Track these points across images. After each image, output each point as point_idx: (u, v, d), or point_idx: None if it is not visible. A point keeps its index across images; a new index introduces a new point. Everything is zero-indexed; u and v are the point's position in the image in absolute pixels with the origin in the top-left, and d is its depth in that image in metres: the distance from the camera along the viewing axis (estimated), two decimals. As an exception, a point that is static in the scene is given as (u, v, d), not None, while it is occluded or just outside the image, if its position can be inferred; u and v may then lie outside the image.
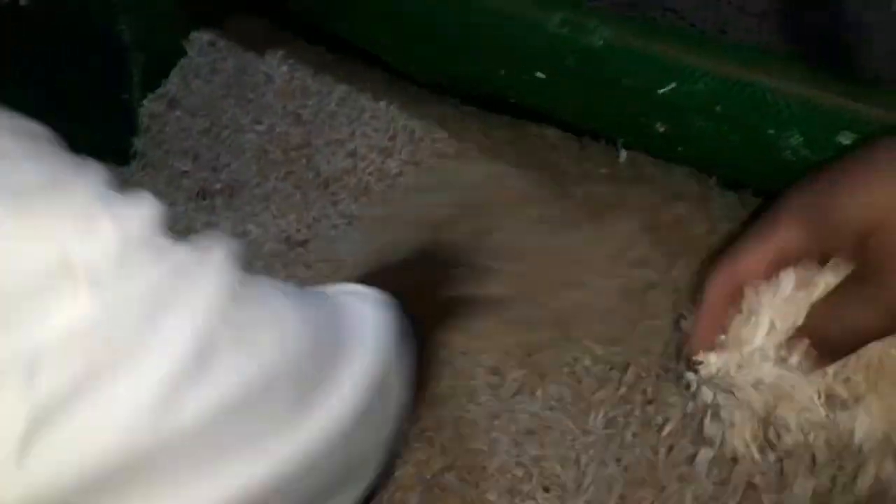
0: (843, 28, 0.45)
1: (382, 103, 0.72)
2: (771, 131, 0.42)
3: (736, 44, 0.44)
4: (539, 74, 0.51)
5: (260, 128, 0.81)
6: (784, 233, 0.40)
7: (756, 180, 0.50)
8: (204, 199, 0.82)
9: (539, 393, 0.55)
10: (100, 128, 0.90)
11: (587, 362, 0.56)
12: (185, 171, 0.85)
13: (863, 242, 0.37)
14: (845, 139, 0.39)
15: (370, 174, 0.70)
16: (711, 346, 0.44)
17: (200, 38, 0.90)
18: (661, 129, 0.49)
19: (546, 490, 0.51)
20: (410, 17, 0.52)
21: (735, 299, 0.43)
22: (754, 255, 0.41)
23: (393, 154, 0.69)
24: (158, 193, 0.83)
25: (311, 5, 0.68)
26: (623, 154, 0.56)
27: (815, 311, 0.40)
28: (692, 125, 0.45)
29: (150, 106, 0.90)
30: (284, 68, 0.82)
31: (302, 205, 0.74)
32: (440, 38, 0.55)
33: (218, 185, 0.81)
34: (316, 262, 0.69)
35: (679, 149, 0.50)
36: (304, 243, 0.72)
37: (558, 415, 0.54)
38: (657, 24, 0.45)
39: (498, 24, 0.50)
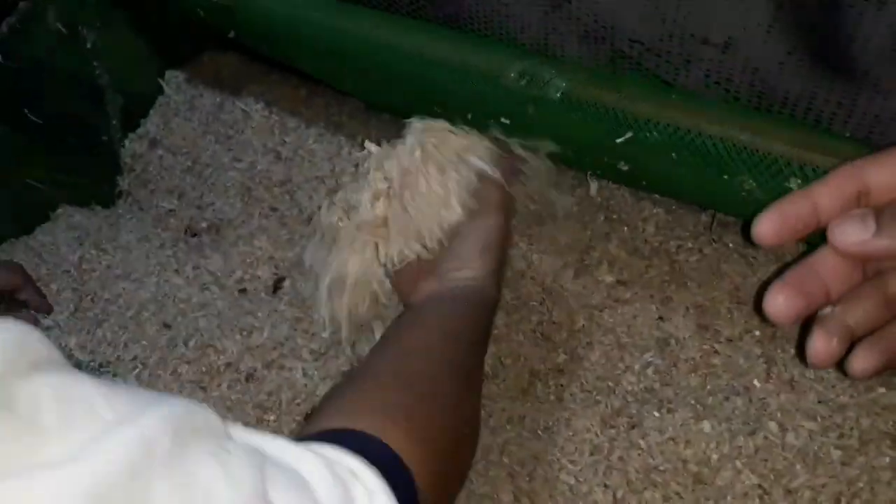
0: (834, 29, 0.46)
1: (360, 139, 0.73)
2: (724, 176, 0.43)
3: (687, 93, 0.45)
4: (504, 121, 0.52)
5: (241, 165, 0.82)
6: None
7: (722, 210, 0.51)
8: (192, 236, 0.84)
9: (527, 421, 0.58)
10: (84, 170, 0.92)
11: (574, 389, 0.58)
12: (171, 210, 0.86)
13: None
14: (794, 185, 0.41)
15: (351, 210, 0.72)
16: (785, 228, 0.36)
17: (176, 77, 0.91)
18: (625, 168, 0.50)
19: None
20: (376, 66, 0.53)
21: (849, 202, 0.36)
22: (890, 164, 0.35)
23: (372, 190, 0.71)
24: (146, 233, 0.85)
25: (281, 50, 0.69)
26: (594, 186, 0.58)
27: None
28: (651, 168, 0.47)
29: (131, 146, 0.91)
30: (260, 105, 0.83)
31: (287, 241, 0.75)
32: (406, 87, 0.56)
33: (204, 224, 0.83)
34: (309, 297, 0.71)
35: (643, 183, 0.52)
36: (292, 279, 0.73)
37: (545, 444, 0.55)
38: (612, 75, 0.47)
39: (460, 74, 0.51)
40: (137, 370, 0.64)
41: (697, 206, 0.56)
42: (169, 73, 0.91)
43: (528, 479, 0.55)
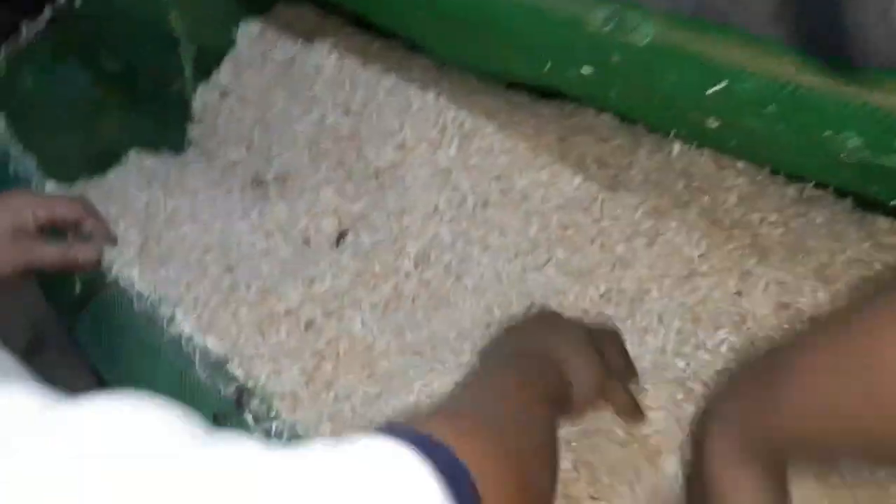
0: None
1: (431, 94, 0.71)
2: (827, 133, 0.40)
3: (786, 44, 0.42)
4: (585, 70, 0.49)
5: (310, 118, 0.82)
6: None
7: (814, 176, 0.48)
8: (258, 186, 0.84)
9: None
10: (155, 118, 0.93)
11: (641, 363, 0.56)
12: (239, 161, 0.86)
13: None
14: (907, 142, 0.38)
15: (419, 166, 0.70)
16: None
17: (250, 29, 0.90)
18: (714, 125, 0.47)
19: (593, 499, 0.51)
20: (453, 14, 0.51)
21: None
22: None
23: (442, 146, 0.69)
24: (214, 181, 0.85)
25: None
26: (676, 147, 0.55)
27: None
28: (744, 123, 0.44)
29: (202, 96, 0.92)
30: (333, 58, 0.82)
31: (353, 194, 0.74)
32: (483, 34, 0.54)
33: (271, 175, 0.82)
34: (372, 250, 0.69)
35: (732, 143, 0.49)
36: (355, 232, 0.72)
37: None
38: (703, 22, 0.44)
39: (540, 20, 0.49)
40: (198, 311, 0.64)
41: (788, 172, 0.52)
42: (243, 25, 0.91)
43: (590, 450, 0.53)
